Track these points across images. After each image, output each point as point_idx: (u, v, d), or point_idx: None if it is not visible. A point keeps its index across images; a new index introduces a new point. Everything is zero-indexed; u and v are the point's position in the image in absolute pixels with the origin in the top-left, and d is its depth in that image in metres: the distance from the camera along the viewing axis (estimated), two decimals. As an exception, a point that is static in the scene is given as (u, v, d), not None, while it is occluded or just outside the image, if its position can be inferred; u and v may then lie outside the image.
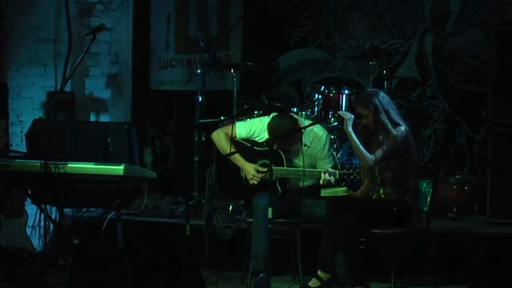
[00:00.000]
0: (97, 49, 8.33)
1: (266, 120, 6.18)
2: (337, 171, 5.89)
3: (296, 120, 6.15)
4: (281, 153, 6.06)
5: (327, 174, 5.87)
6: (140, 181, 6.32)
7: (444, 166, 7.84)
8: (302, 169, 5.96)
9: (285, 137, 6.00)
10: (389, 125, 5.84)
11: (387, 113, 5.86)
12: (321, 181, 5.90)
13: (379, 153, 5.82)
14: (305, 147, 6.11)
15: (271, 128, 6.06)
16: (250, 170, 6.12)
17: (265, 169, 6.00)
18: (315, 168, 6.08)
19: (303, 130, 6.08)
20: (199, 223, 6.52)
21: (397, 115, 5.91)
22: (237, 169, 6.20)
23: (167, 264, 4.16)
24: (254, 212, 6.00)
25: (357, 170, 5.87)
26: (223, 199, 6.82)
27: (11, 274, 6.37)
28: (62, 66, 8.15)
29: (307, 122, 6.24)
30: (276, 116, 6.14)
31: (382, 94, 5.97)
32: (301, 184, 6.03)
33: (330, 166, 6.03)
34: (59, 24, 8.44)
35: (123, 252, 5.48)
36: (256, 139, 6.23)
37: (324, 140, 6.17)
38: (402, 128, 5.86)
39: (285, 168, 6.04)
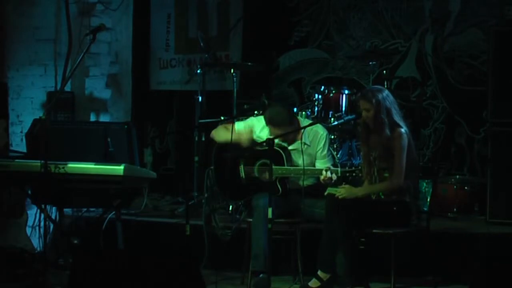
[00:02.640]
0: (97, 49, 8.33)
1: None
2: (338, 169, 5.89)
3: (290, 107, 6.17)
4: (281, 152, 6.06)
5: (328, 172, 5.87)
6: (140, 181, 6.32)
7: (444, 166, 7.83)
8: (302, 168, 5.97)
9: (283, 124, 5.99)
10: (387, 127, 5.83)
11: (388, 111, 5.85)
12: (321, 177, 5.90)
13: (395, 169, 5.79)
14: (305, 146, 6.11)
15: (268, 119, 6.06)
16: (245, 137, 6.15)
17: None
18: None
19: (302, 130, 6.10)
20: (199, 223, 6.51)
21: (398, 116, 5.90)
22: (236, 169, 6.20)
23: (167, 264, 4.16)
24: (254, 212, 6.00)
25: (359, 167, 5.87)
26: (223, 199, 6.82)
27: (11, 274, 6.36)
28: (62, 66, 8.21)
29: (307, 122, 6.25)
30: (270, 106, 6.16)
31: (387, 92, 5.97)
32: (301, 183, 6.03)
33: (329, 165, 6.03)
34: (59, 24, 8.44)
35: (123, 252, 5.47)
36: (256, 138, 6.24)
37: (324, 139, 6.17)
38: (402, 130, 5.85)
39: (285, 167, 6.03)
